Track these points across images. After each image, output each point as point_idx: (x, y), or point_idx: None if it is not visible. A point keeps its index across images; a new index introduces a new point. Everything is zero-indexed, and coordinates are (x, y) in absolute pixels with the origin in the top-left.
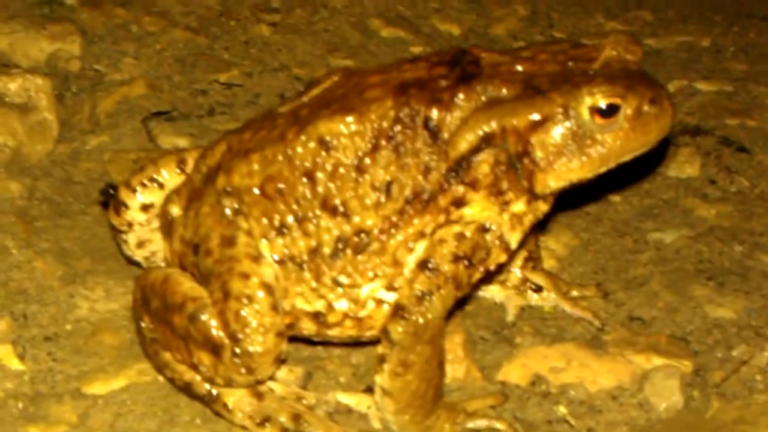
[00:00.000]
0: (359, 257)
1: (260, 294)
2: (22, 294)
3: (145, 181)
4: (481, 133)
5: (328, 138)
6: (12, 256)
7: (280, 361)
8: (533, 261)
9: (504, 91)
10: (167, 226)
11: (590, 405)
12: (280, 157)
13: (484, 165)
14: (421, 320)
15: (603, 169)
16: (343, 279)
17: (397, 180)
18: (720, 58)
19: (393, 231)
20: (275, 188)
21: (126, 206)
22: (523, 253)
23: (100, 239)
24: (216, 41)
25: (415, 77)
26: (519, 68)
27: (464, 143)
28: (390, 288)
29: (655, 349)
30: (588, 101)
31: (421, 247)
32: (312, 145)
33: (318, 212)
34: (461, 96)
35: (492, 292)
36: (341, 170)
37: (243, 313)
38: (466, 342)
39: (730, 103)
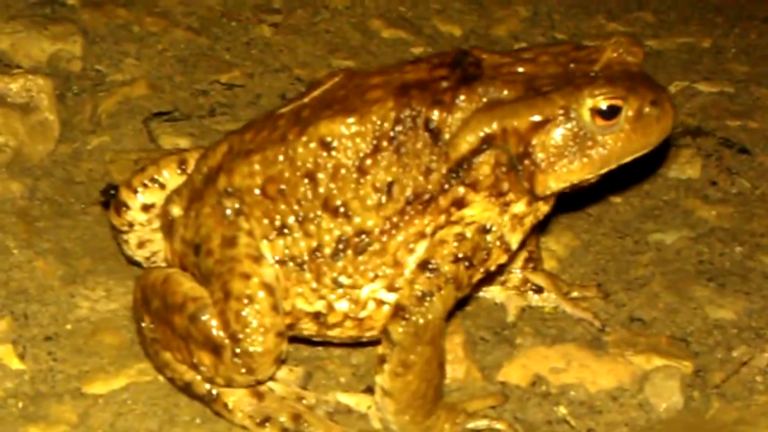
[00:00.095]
0: (360, 258)
1: (261, 294)
2: (22, 294)
3: (146, 182)
4: (482, 134)
5: (329, 139)
6: (13, 256)
7: (281, 361)
8: (534, 262)
9: (505, 92)
10: (168, 227)
11: (590, 405)
12: (282, 158)
13: (484, 166)
14: (421, 321)
15: (604, 171)
16: (343, 279)
17: (398, 181)
18: (721, 60)
19: (394, 232)
20: (276, 189)
21: (127, 206)
22: (524, 254)
23: (101, 239)
24: (217, 42)
25: (416, 78)
26: (520, 70)
27: (465, 144)
28: (390, 288)
29: (656, 350)
30: (589, 103)
31: (421, 248)
32: (313, 145)
33: (319, 213)
34: (462, 97)
35: (492, 292)
36: (342, 171)
37: (243, 313)
38: (467, 342)
39: (731, 104)
